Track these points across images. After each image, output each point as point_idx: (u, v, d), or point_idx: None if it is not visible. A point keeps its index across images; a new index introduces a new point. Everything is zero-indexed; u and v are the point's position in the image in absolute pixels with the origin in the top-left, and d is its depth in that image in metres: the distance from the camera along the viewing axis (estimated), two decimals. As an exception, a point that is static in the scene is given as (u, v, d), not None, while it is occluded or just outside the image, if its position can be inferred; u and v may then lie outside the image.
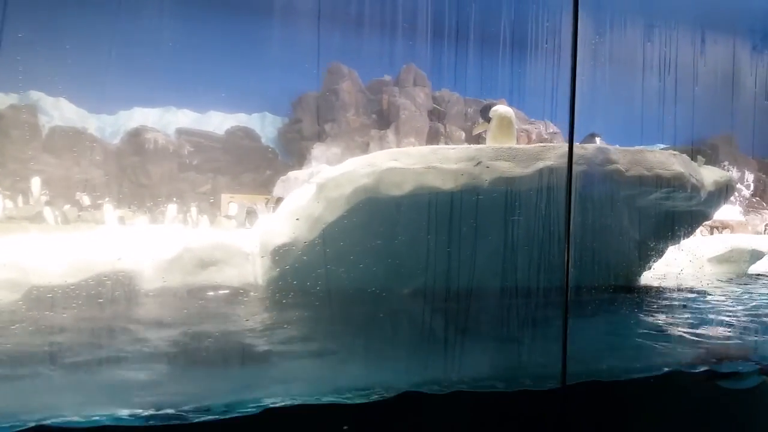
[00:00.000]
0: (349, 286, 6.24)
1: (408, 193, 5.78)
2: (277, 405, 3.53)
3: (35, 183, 13.18)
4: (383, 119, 19.45)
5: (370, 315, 5.86)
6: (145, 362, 4.99)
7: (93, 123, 21.45)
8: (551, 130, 20.61)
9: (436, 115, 19.30)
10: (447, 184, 5.72)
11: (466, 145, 6.18)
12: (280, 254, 6.69)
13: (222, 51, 21.59)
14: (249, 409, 4.14)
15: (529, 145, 5.94)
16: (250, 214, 13.73)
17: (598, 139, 8.49)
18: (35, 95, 21.74)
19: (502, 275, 5.59)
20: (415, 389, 3.24)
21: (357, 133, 19.13)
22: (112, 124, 21.51)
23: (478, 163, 5.67)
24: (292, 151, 21.80)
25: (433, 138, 18.82)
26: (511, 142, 6.63)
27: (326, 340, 5.42)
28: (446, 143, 19.01)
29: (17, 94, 21.35)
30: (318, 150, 19.19)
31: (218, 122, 22.92)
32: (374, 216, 5.99)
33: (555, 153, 5.65)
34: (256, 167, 22.72)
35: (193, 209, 14.15)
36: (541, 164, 5.57)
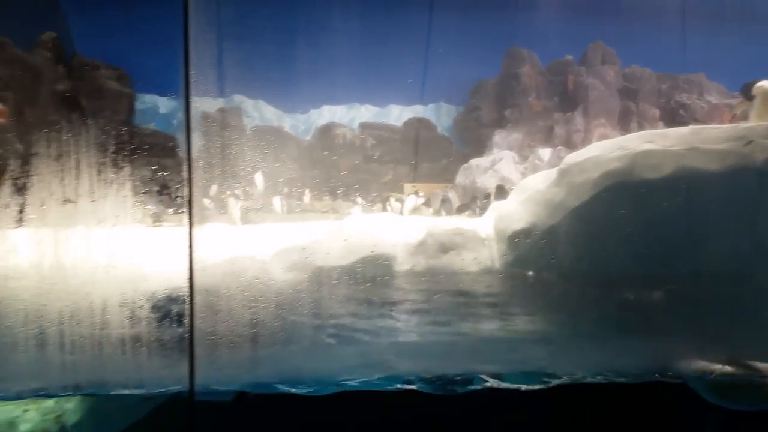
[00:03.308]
0: (595, 272, 6.25)
1: (666, 176, 5.64)
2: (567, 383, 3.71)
3: (258, 178, 14.85)
4: (567, 101, 18.84)
5: (624, 300, 5.84)
6: (415, 333, 5.50)
7: (288, 121, 23.65)
8: (761, 103, 18.39)
9: (626, 93, 18.25)
10: (711, 165, 5.48)
11: (733, 125, 5.85)
12: (517, 239, 6.90)
13: (397, 46, 22.41)
14: (538, 384, 4.42)
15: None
16: (445, 202, 14.22)
17: None
18: (238, 98, 24.44)
19: None
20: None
21: (539, 117, 18.77)
22: (305, 122, 23.54)
23: (749, 143, 5.34)
24: (469, 139, 22.02)
25: (624, 118, 17.83)
26: (781, 118, 6.13)
27: (583, 323, 5.55)
28: (639, 123, 17.89)
29: (224, 99, 24.09)
30: (499, 136, 19.18)
31: (397, 115, 23.96)
32: (626, 200, 5.92)
33: None
34: (433, 156, 23.34)
35: (392, 199, 15.01)
36: (829, 140, 5.09)
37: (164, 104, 22.43)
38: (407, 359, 4.40)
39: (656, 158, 5.66)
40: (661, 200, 5.75)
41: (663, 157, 5.64)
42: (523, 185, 7.24)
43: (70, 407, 6.38)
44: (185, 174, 2.56)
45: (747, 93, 6.45)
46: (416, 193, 18.06)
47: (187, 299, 2.58)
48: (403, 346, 4.77)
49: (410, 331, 5.14)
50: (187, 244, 2.51)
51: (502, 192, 11.30)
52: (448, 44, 20.79)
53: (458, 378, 5.21)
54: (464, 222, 7.81)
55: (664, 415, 5.06)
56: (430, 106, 24.31)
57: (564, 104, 18.68)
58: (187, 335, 2.69)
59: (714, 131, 5.62)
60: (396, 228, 7.40)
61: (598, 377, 5.44)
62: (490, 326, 6.10)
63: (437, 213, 14.06)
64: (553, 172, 6.66)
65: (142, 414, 5.97)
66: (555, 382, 5.37)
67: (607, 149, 6.03)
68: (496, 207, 7.51)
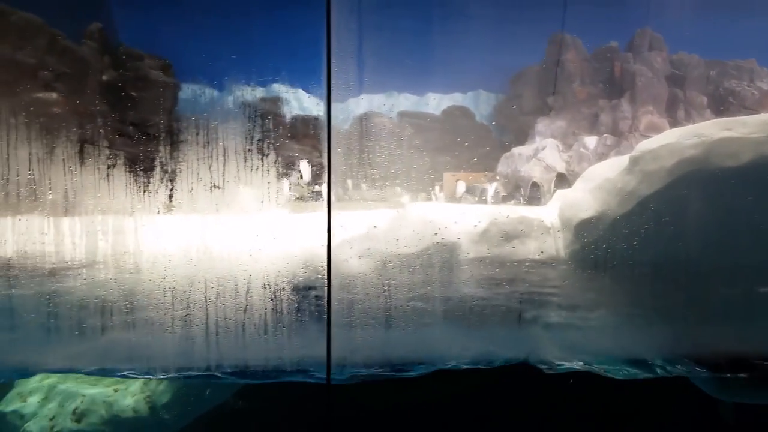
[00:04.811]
0: (668, 261, 6.20)
1: (745, 165, 5.55)
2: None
3: (305, 166, 14.96)
4: (612, 88, 18.49)
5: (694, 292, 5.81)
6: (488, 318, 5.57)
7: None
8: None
9: (673, 80, 17.84)
10: (795, 153, 5.38)
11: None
12: (585, 228, 6.87)
13: (435, 33, 22.17)
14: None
15: None
16: (490, 191, 14.16)
17: None
18: (277, 87, 24.57)
19: None
20: None
21: (584, 104, 18.48)
22: (343, 111, 23.65)
23: (838, 129, 5.23)
24: (510, 127, 21.79)
25: (671, 105, 17.45)
26: None
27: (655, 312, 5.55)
28: (686, 110, 17.48)
29: (263, 88, 24.27)
30: (542, 124, 18.96)
31: (435, 103, 23.83)
32: (702, 189, 5.85)
33: None
34: (472, 145, 23.14)
35: (437, 188, 14.97)
36: None
37: (208, 93, 22.70)
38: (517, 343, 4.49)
39: (735, 146, 5.58)
40: (739, 190, 5.68)
41: (742, 144, 5.55)
42: (590, 173, 7.19)
43: (159, 388, 6.61)
44: (324, 161, 2.61)
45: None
46: (458, 182, 18.01)
47: (325, 282, 2.67)
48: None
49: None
50: (326, 228, 2.59)
51: (563, 180, 11.23)
52: (488, 31, 20.52)
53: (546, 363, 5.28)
54: (528, 210, 7.80)
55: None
56: (469, 93, 24.08)
57: (609, 91, 18.35)
58: (324, 317, 2.79)
59: (797, 118, 5.51)
60: (457, 216, 7.44)
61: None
62: (560, 315, 6.13)
63: (482, 202, 14.02)
64: (623, 160, 6.61)
65: (225, 396, 6.18)
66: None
67: (682, 136, 5.95)
68: (560, 195, 7.48)
